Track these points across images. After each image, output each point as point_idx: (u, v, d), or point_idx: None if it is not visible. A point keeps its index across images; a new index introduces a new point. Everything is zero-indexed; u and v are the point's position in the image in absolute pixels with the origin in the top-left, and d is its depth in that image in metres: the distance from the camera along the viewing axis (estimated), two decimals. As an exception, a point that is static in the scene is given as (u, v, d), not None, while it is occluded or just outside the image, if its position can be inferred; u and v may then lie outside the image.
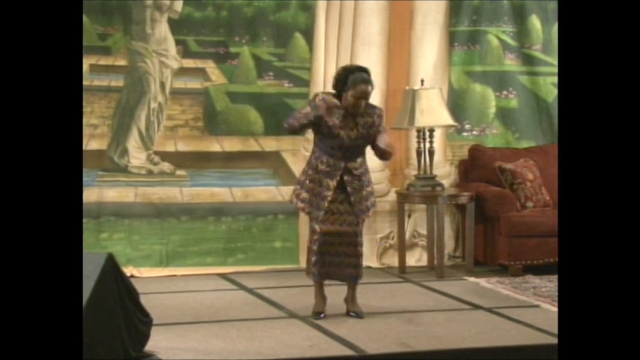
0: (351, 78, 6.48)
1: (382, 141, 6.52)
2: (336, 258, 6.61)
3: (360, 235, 6.63)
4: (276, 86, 8.64)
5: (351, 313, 6.70)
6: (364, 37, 8.73)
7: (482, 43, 9.04)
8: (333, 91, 6.59)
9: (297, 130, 6.61)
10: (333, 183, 6.56)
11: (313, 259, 6.60)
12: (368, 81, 6.51)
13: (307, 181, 6.61)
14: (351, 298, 6.73)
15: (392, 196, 8.68)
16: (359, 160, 6.62)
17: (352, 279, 6.68)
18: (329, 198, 6.55)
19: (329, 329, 6.26)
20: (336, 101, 6.49)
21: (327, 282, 6.73)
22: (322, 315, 6.63)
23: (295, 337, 6.09)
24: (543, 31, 9.13)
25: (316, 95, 6.64)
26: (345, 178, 6.57)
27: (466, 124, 8.98)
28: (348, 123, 6.52)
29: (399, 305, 7.04)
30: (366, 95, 6.49)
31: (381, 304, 7.05)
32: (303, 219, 8.57)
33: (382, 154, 6.67)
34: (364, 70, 6.58)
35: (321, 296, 6.71)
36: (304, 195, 6.61)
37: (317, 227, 6.55)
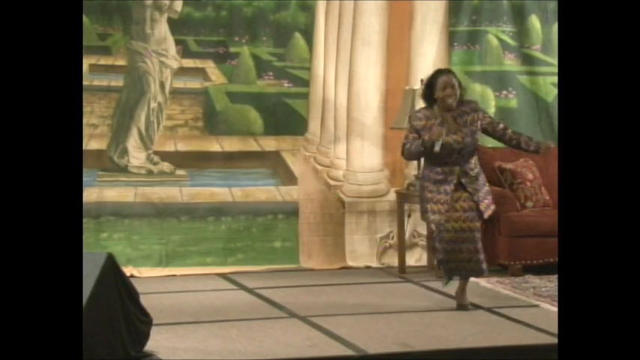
0: (437, 78, 6.67)
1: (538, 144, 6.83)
2: (459, 255, 6.74)
3: (480, 232, 6.78)
4: (275, 86, 8.64)
5: (460, 307, 6.81)
6: (364, 37, 8.72)
7: (481, 43, 9.04)
8: (422, 104, 6.86)
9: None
10: (450, 187, 6.67)
11: (440, 257, 6.84)
12: (450, 72, 6.76)
13: (432, 194, 6.70)
14: (461, 292, 6.84)
15: (392, 196, 8.67)
16: (472, 160, 6.76)
17: (475, 273, 6.83)
18: (446, 203, 6.66)
19: (329, 329, 6.25)
20: (439, 129, 6.58)
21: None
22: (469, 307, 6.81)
23: (295, 337, 6.08)
24: (543, 31, 9.12)
25: (411, 116, 6.89)
26: (463, 180, 6.70)
27: (466, 124, 8.97)
28: (450, 127, 6.64)
29: (399, 305, 7.03)
30: (451, 84, 6.62)
31: (381, 304, 7.05)
32: (303, 219, 8.58)
33: (535, 150, 6.86)
34: (448, 70, 6.85)
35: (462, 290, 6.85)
36: (435, 207, 6.71)
37: (434, 227, 6.78)
